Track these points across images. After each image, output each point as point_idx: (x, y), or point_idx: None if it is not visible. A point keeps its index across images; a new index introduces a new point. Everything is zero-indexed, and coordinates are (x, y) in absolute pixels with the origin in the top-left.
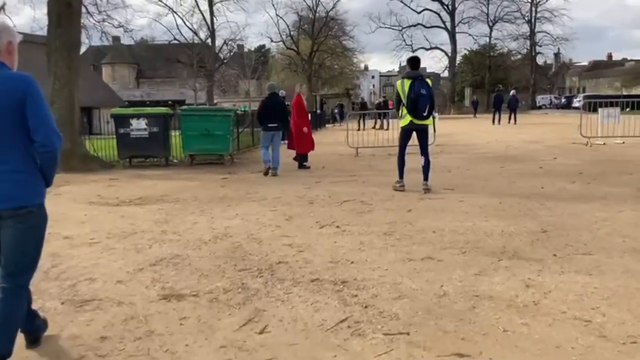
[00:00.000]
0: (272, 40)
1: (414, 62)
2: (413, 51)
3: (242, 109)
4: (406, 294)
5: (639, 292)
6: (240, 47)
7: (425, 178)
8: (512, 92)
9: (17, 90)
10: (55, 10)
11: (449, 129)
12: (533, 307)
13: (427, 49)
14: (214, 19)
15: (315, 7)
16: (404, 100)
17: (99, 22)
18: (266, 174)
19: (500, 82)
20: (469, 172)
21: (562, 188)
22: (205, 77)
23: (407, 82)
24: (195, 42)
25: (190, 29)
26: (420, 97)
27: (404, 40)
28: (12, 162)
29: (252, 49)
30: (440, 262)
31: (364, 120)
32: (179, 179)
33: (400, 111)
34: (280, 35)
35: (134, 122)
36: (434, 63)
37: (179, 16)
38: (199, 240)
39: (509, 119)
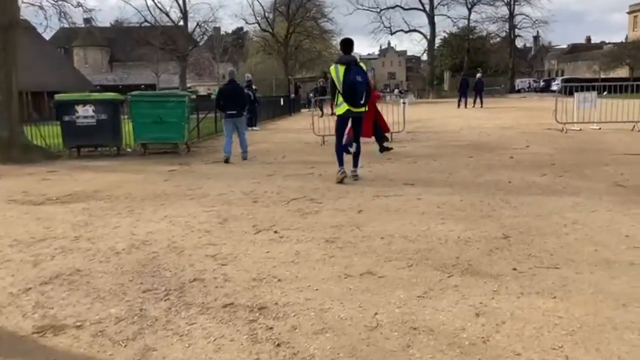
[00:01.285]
0: (247, 22)
1: (347, 45)
2: (392, 34)
3: (215, 94)
4: (331, 326)
5: (609, 323)
6: (217, 29)
7: (355, 165)
8: (478, 75)
9: None
10: None
11: (424, 114)
12: (481, 345)
13: (405, 32)
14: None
15: None
16: (340, 88)
17: (55, 1)
18: (226, 161)
19: (479, 66)
20: (435, 163)
21: (532, 182)
22: (178, 60)
23: (342, 68)
24: (168, 24)
25: (161, 10)
26: (357, 84)
27: (383, 23)
28: None
29: (228, 31)
30: (381, 278)
31: (322, 105)
32: (124, 171)
33: (335, 99)
34: (255, 17)
35: (80, 109)
36: (412, 46)
37: None
38: (110, 250)
39: (474, 102)
